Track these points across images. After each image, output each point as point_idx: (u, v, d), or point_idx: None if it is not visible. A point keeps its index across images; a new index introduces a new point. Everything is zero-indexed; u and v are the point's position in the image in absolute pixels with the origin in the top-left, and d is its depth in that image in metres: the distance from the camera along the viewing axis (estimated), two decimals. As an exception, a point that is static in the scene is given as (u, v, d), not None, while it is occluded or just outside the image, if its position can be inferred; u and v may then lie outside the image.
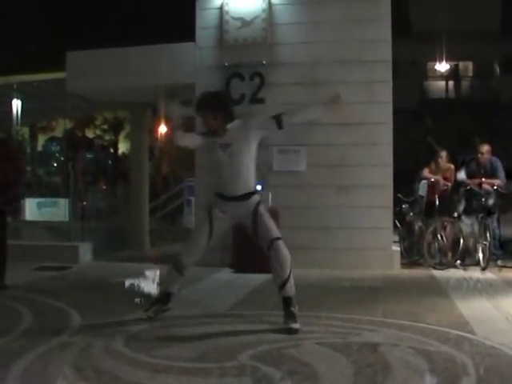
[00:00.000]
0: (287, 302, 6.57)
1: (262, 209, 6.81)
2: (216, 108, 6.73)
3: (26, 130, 33.90)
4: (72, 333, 6.43)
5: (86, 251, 12.76)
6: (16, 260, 9.82)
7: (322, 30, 11.83)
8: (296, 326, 6.37)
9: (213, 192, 6.97)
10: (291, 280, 6.62)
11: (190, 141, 7.19)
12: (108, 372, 5.02)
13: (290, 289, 6.61)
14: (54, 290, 9.21)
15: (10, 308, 7.76)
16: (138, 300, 7.88)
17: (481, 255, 11.39)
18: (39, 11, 28.83)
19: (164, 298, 7.10)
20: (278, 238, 6.67)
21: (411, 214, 12.77)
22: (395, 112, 11.68)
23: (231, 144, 6.64)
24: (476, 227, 11.63)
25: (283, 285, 6.58)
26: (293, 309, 6.53)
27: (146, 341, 6.08)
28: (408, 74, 28.18)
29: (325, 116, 7.67)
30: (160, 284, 7.36)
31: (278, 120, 6.72)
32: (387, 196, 11.61)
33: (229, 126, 6.71)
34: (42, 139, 40.82)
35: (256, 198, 6.85)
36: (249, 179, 6.79)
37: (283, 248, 6.64)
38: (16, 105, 18.18)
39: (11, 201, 9.58)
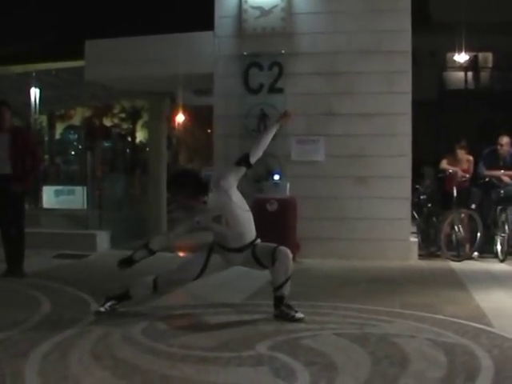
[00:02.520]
0: (281, 300, 6.55)
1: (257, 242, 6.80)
2: (185, 188, 6.64)
3: (44, 119, 33.96)
4: (90, 321, 6.47)
5: (103, 239, 12.81)
6: (34, 248, 9.89)
7: (342, 20, 11.79)
8: (300, 315, 6.43)
9: (214, 239, 6.88)
10: (289, 280, 6.58)
11: (184, 233, 7.13)
12: (126, 361, 5.04)
13: (287, 288, 6.57)
14: (72, 278, 9.25)
15: (28, 296, 7.81)
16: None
17: (499, 247, 11.35)
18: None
19: (123, 297, 6.86)
20: (278, 246, 6.64)
21: (429, 205, 12.74)
22: (414, 103, 11.63)
23: (221, 214, 6.57)
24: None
25: (282, 286, 6.54)
26: (283, 308, 6.51)
27: (163, 330, 6.11)
28: (427, 64, 28.00)
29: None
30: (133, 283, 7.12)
31: (245, 162, 6.69)
32: (405, 187, 11.58)
33: (207, 198, 6.66)
34: (60, 128, 40.92)
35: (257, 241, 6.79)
36: (250, 230, 6.76)
37: (287, 251, 6.58)
38: (34, 93, 18.22)
39: (30, 189, 9.64)
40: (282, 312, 6.49)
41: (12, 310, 6.94)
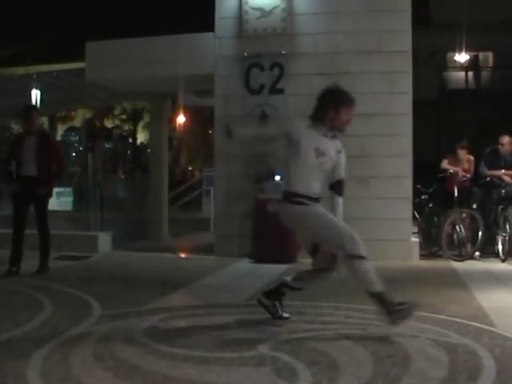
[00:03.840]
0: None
1: None
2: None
3: (45, 120, 33.97)
4: (92, 322, 6.47)
5: (105, 241, 12.82)
6: (36, 249, 9.89)
7: (342, 21, 11.79)
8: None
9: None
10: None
11: None
12: (128, 361, 5.04)
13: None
14: (73, 280, 9.27)
15: (30, 297, 7.82)
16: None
17: (500, 247, 11.36)
18: (60, 1, 28.91)
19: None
20: None
21: (430, 205, 12.74)
22: (414, 102, 11.63)
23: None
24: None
25: None
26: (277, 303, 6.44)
27: (165, 330, 6.12)
28: (427, 64, 28.00)
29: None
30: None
31: None
32: (406, 187, 11.58)
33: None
34: (61, 129, 40.92)
35: None
36: None
37: None
38: (35, 95, 18.22)
39: (52, 191, 10.18)
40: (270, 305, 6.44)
41: (14, 312, 6.95)
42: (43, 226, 9.91)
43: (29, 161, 9.68)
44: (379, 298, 5.85)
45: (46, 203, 9.95)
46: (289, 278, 6.41)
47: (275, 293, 6.46)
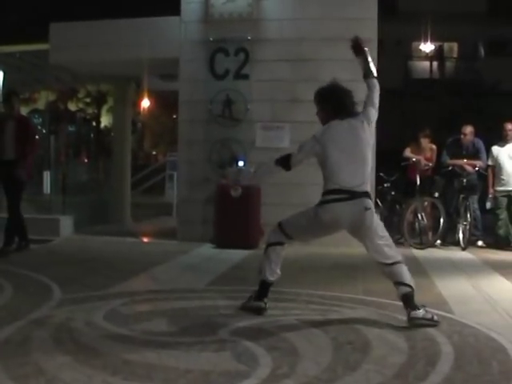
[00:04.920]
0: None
1: None
2: None
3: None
4: (52, 306, 6.43)
5: (66, 224, 12.71)
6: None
7: (309, 7, 11.76)
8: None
9: None
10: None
11: None
12: (88, 345, 5.02)
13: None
14: (34, 263, 9.18)
15: (-11, 280, 7.74)
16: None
17: (461, 235, 11.48)
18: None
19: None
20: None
21: (393, 193, 12.81)
22: (380, 91, 11.63)
23: None
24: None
25: None
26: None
27: (126, 315, 6.09)
28: (393, 53, 28.14)
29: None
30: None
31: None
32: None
33: None
34: (24, 111, 40.36)
35: None
36: None
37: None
38: (-3, 76, 17.98)
39: (30, 174, 10.49)
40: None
41: (-28, 295, 6.89)
42: (17, 209, 10.16)
43: (9, 144, 9.96)
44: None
45: (21, 188, 10.21)
46: (266, 276, 6.31)
47: (262, 291, 6.29)
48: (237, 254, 10.10)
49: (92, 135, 40.35)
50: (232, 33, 11.77)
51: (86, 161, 28.62)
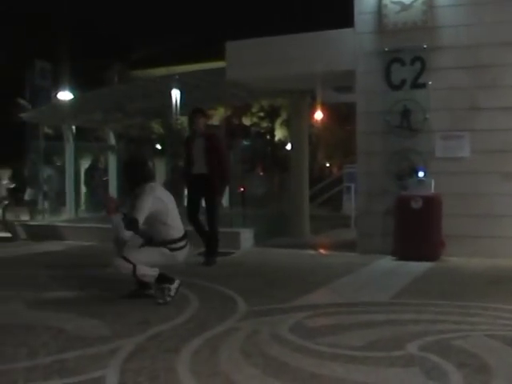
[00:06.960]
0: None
1: None
2: None
3: (184, 120, 34.65)
4: (238, 318, 6.56)
5: (247, 237, 12.98)
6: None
7: (484, 12, 11.40)
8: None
9: None
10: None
11: None
12: (275, 358, 5.07)
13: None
14: (217, 275, 9.44)
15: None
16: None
17: None
18: (199, 2, 29.48)
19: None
20: None
21: None
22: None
23: None
24: None
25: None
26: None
27: (311, 328, 6.12)
28: None
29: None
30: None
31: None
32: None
33: None
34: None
35: None
36: None
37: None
38: (175, 95, 18.58)
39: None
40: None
41: (162, 307, 7.15)
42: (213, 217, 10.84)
43: (198, 159, 10.66)
44: None
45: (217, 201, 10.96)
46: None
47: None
48: (418, 267, 9.93)
49: (267, 149, 41.01)
50: (407, 42, 11.62)
51: (261, 174, 29.08)
